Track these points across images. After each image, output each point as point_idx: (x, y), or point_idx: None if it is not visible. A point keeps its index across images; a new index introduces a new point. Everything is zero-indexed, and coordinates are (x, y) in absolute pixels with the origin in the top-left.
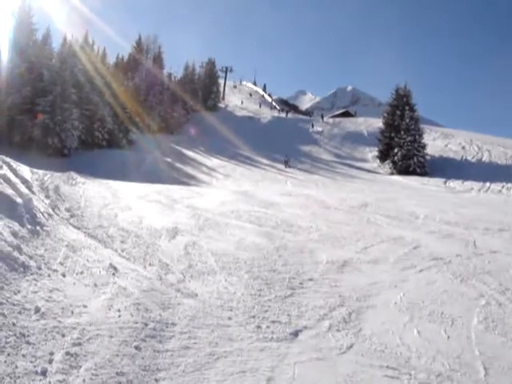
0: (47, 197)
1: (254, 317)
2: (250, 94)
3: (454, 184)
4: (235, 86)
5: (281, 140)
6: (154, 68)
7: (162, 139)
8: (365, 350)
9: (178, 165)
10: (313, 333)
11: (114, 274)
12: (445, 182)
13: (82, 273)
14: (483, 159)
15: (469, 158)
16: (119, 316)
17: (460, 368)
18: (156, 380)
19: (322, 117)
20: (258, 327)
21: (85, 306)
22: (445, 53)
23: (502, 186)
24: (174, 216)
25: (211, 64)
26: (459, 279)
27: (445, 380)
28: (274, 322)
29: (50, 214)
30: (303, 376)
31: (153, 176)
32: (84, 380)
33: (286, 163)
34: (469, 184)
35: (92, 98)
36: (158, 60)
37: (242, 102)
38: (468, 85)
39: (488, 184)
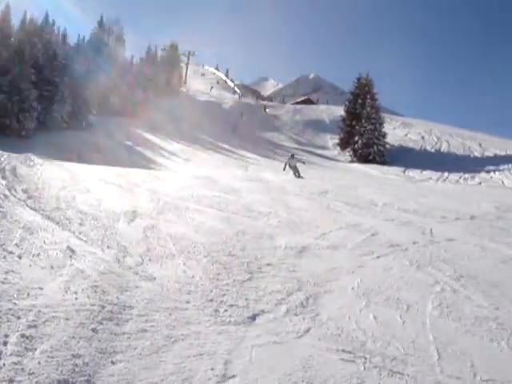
0: (3, 178)
1: (211, 300)
2: (218, 82)
3: (413, 173)
4: (203, 74)
5: (242, 126)
6: (115, 50)
7: (123, 122)
8: (321, 334)
9: (138, 148)
10: (270, 317)
11: (71, 256)
12: (404, 171)
13: (38, 255)
14: (442, 149)
15: (428, 147)
16: (76, 298)
17: (414, 352)
18: (113, 362)
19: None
20: (216, 311)
21: (41, 289)
22: (406, 42)
23: (460, 176)
24: (134, 199)
25: (174, 48)
26: (415, 266)
27: (399, 363)
28: (231, 305)
29: (6, 195)
30: (260, 359)
31: (112, 159)
32: (39, 362)
33: None
34: (427, 173)
35: (51, 79)
36: (119, 42)
37: (211, 89)
38: (430, 74)
39: (446, 174)
